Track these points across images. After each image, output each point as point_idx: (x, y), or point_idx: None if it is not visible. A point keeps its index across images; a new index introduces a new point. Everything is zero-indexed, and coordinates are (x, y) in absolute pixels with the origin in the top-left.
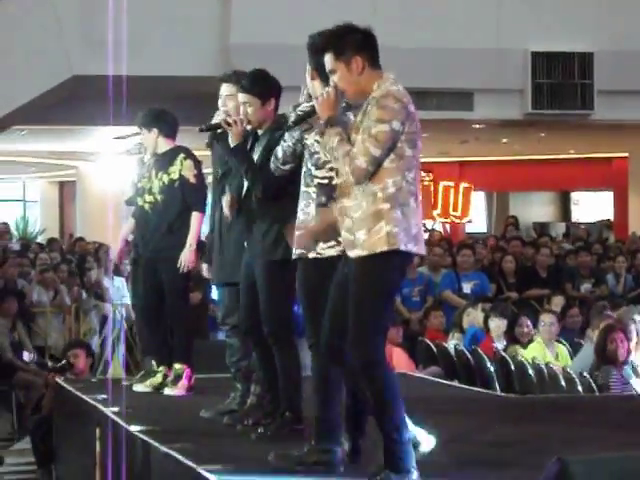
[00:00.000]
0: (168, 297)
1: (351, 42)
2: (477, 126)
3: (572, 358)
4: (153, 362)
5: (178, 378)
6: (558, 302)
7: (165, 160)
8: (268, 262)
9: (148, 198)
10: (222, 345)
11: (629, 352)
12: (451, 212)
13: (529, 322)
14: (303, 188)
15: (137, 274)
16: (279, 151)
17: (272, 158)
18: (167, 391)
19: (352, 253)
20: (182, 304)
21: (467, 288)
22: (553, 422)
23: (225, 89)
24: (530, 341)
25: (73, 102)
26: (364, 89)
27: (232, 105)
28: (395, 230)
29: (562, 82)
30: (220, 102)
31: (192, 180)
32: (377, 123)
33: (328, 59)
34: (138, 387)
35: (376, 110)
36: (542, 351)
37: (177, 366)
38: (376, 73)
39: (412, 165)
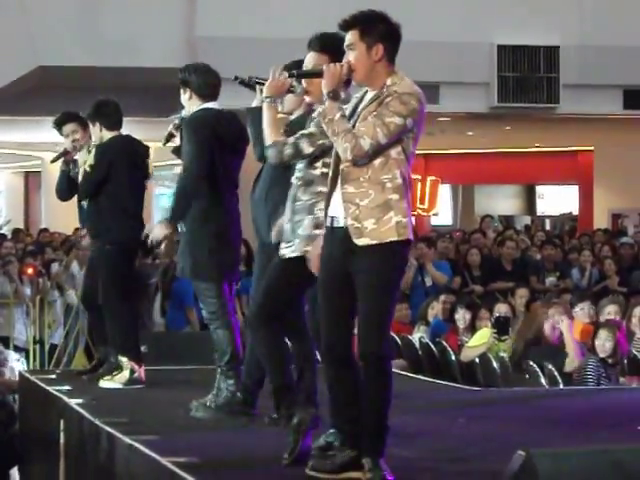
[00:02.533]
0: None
1: (380, 29)
2: (443, 119)
3: None
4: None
5: (119, 371)
6: (523, 294)
7: None
8: None
9: None
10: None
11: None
12: (418, 205)
13: (488, 314)
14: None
15: None
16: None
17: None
18: (103, 384)
19: (359, 241)
20: (113, 295)
21: (429, 281)
22: (517, 415)
23: None
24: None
25: (39, 92)
26: (374, 78)
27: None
28: (404, 220)
29: (528, 75)
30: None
31: (87, 169)
32: (394, 115)
33: (351, 36)
34: (105, 384)
35: (398, 103)
36: (485, 338)
37: (121, 358)
38: (390, 68)
39: (410, 161)
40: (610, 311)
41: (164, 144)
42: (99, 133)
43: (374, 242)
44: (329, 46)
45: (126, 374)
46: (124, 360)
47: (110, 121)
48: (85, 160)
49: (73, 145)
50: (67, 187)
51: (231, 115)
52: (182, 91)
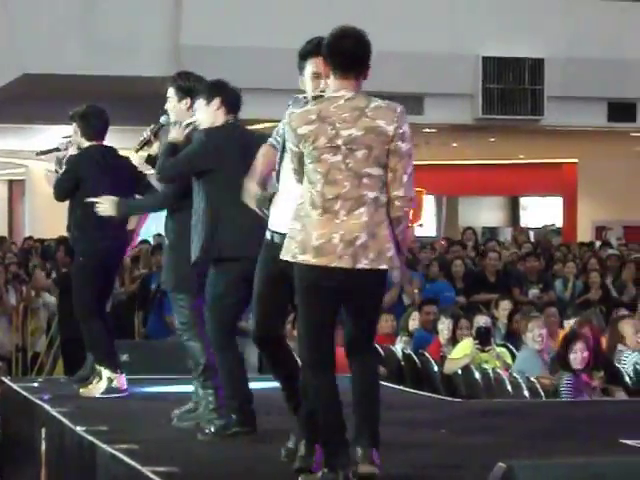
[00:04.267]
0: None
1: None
2: (427, 130)
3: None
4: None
5: (98, 380)
6: (505, 306)
7: None
8: None
9: None
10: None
11: (588, 361)
12: None
13: (469, 324)
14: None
15: None
16: None
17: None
18: (84, 393)
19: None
20: (83, 308)
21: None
22: (499, 427)
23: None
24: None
25: (23, 100)
26: None
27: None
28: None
29: (512, 87)
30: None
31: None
32: None
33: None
34: (85, 393)
35: None
36: (468, 350)
37: (98, 367)
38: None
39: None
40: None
41: (137, 150)
42: (78, 138)
43: (383, 267)
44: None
45: (104, 383)
46: (102, 369)
47: (89, 131)
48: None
49: (67, 143)
50: None
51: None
52: (176, 98)
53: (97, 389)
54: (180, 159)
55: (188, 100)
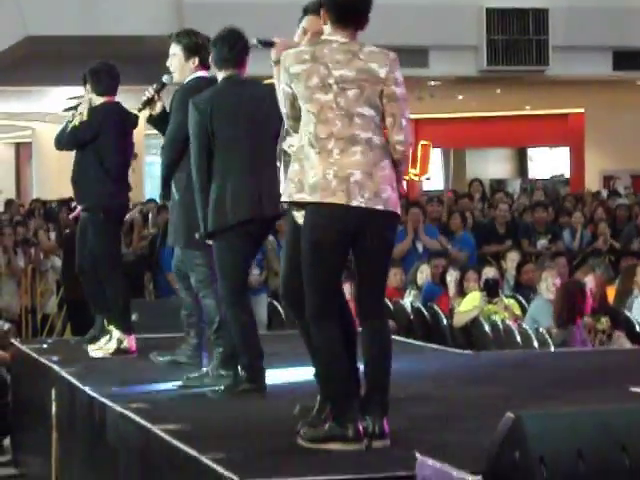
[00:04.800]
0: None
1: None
2: (432, 83)
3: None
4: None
5: (109, 340)
6: (513, 257)
7: None
8: None
9: None
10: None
11: (588, 308)
12: (410, 169)
13: (476, 275)
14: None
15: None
16: None
17: None
18: (93, 353)
19: (379, 206)
20: (103, 262)
21: (420, 247)
22: (507, 378)
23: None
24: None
25: (27, 63)
26: None
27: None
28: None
29: (517, 38)
30: (169, 61)
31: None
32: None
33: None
34: (94, 353)
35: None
36: (477, 302)
37: (110, 327)
38: None
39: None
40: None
41: (140, 110)
42: (88, 96)
43: (390, 209)
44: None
45: (114, 344)
46: (112, 329)
47: (100, 87)
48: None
49: (80, 100)
50: None
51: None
52: (182, 56)
53: (107, 349)
54: None
55: (196, 59)
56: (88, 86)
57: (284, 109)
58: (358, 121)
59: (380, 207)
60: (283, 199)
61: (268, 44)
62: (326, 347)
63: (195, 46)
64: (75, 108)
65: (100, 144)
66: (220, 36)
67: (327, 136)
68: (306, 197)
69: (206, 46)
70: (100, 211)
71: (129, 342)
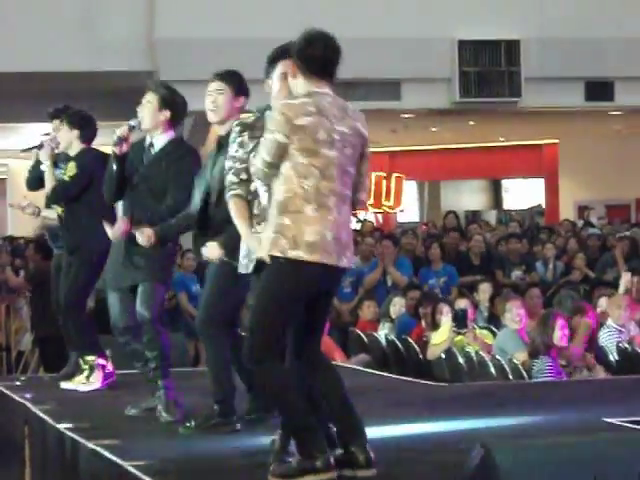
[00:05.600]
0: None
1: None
2: (406, 115)
3: None
4: (80, 359)
5: (91, 371)
6: (485, 289)
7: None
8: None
9: None
10: None
11: (568, 339)
12: (383, 202)
13: (448, 307)
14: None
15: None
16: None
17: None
18: (82, 388)
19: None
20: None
21: (389, 280)
22: (483, 410)
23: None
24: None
25: (1, 99)
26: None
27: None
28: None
29: (489, 70)
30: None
31: (66, 179)
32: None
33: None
34: (66, 385)
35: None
36: (447, 335)
37: (87, 358)
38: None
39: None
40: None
41: (114, 146)
42: (72, 140)
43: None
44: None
45: (91, 371)
46: (88, 358)
47: (87, 134)
48: (49, 162)
49: (54, 143)
50: (39, 178)
51: None
52: (156, 106)
53: (96, 380)
54: None
55: (168, 113)
56: (60, 124)
57: (267, 157)
58: (347, 179)
59: (352, 264)
60: (273, 253)
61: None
62: (280, 383)
63: (171, 100)
64: (39, 148)
65: (90, 190)
66: None
67: (329, 192)
68: (303, 256)
69: (180, 105)
70: (94, 254)
71: (107, 366)
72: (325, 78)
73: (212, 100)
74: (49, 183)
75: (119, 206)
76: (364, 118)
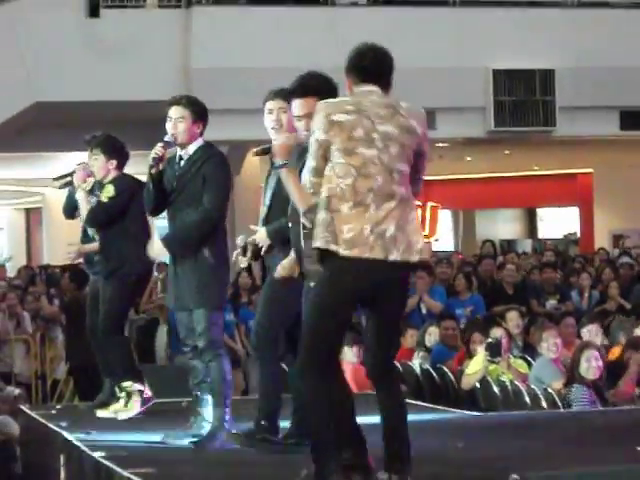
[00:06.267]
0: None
1: None
2: (441, 145)
3: None
4: (115, 386)
5: (128, 398)
6: (512, 317)
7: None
8: None
9: None
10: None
11: (601, 371)
12: None
13: (482, 337)
14: None
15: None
16: None
17: None
18: (122, 415)
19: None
20: (117, 324)
21: (424, 308)
22: (516, 439)
23: (175, 112)
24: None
25: (37, 128)
26: None
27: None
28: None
29: (524, 99)
30: (169, 125)
31: (103, 200)
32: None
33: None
34: (102, 413)
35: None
36: (481, 364)
37: (125, 384)
38: None
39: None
40: (590, 329)
41: (151, 167)
42: (109, 168)
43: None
44: (312, 89)
45: (131, 397)
46: (126, 386)
47: (123, 161)
48: (84, 185)
49: (88, 170)
50: (74, 206)
51: None
52: (190, 120)
53: (135, 407)
54: None
55: (202, 124)
56: (94, 152)
57: (312, 161)
58: (396, 177)
59: (415, 259)
60: (317, 244)
61: (266, 151)
62: (326, 398)
63: (203, 111)
64: (67, 176)
65: (126, 215)
66: None
67: (367, 191)
68: (341, 251)
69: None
70: (130, 279)
71: (146, 392)
72: (377, 85)
73: (274, 118)
74: (84, 208)
75: (156, 229)
76: (423, 116)
